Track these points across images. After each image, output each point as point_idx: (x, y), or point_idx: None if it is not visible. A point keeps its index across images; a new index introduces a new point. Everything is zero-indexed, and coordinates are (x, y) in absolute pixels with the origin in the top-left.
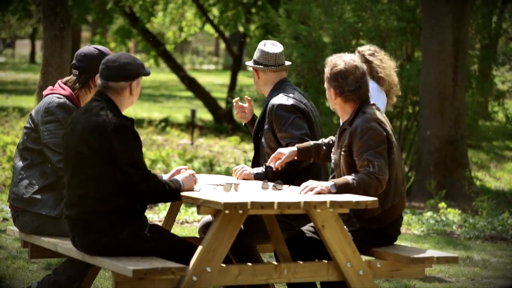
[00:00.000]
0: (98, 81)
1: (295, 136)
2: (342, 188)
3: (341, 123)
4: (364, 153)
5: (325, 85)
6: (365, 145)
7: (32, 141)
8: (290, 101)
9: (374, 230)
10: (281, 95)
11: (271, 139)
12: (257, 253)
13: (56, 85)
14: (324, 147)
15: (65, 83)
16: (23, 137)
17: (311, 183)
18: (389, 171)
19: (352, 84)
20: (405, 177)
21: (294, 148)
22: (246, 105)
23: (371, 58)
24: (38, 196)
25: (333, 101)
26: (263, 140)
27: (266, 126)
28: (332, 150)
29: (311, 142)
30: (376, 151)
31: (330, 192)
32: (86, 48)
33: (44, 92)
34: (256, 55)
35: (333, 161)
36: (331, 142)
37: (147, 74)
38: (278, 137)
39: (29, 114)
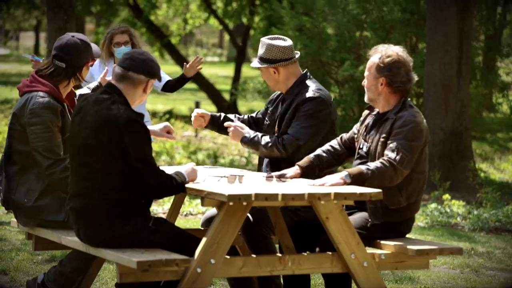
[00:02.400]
0: (116, 69)
1: (296, 137)
2: (356, 178)
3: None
4: (397, 140)
5: (370, 73)
6: (401, 133)
7: (21, 143)
8: (323, 105)
9: (390, 225)
10: (315, 89)
11: None
12: (273, 244)
13: (31, 78)
14: (325, 154)
15: (41, 76)
16: (9, 139)
17: (324, 178)
18: (422, 165)
19: (404, 76)
20: None
21: (297, 168)
22: (206, 113)
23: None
24: (41, 203)
25: (377, 91)
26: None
27: (290, 117)
28: (361, 139)
29: (311, 156)
30: (409, 143)
31: (345, 183)
32: (68, 38)
33: (21, 88)
34: (270, 53)
35: (364, 149)
36: (329, 147)
37: (160, 79)
38: (292, 122)
39: (11, 114)
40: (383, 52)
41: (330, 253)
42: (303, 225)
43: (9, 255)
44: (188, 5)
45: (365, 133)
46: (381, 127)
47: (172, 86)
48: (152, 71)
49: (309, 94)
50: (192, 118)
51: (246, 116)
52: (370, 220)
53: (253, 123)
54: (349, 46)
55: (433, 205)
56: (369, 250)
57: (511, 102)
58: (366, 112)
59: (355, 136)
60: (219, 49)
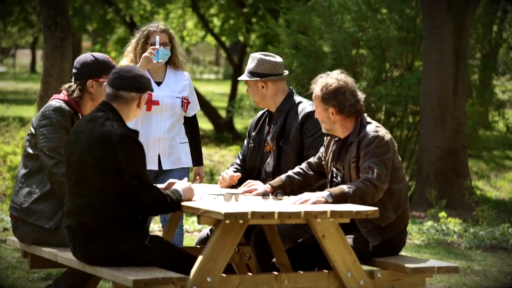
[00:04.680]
0: (107, 89)
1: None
2: (338, 197)
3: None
4: (367, 160)
5: (318, 106)
6: (370, 152)
7: (32, 147)
8: None
9: (385, 242)
10: (309, 103)
11: (298, 145)
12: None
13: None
14: (296, 176)
15: (65, 89)
16: (25, 144)
17: (305, 194)
18: (398, 174)
19: (351, 99)
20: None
21: (268, 186)
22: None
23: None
24: (36, 206)
25: (330, 121)
26: (288, 147)
27: (294, 134)
28: (333, 166)
29: (283, 176)
30: (380, 159)
31: (326, 202)
32: (83, 55)
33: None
34: (260, 67)
35: (338, 178)
36: (300, 170)
37: (153, 90)
38: (305, 142)
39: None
40: (323, 82)
41: (326, 271)
42: (299, 248)
43: (4, 273)
44: (184, 22)
45: (334, 162)
46: (347, 153)
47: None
48: (143, 87)
49: (308, 109)
50: (220, 178)
51: (238, 164)
52: (370, 243)
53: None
54: (345, 64)
55: (429, 223)
56: (366, 268)
57: (507, 120)
58: (327, 138)
59: (323, 161)
60: (216, 66)
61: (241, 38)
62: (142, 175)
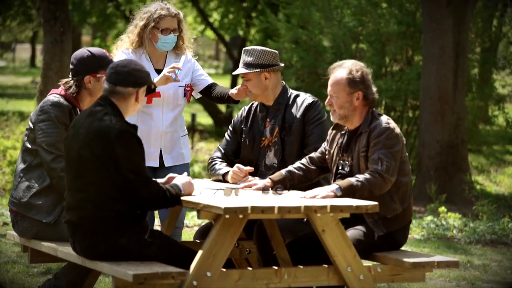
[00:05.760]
0: (105, 85)
1: (318, 147)
2: (346, 190)
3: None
4: (377, 151)
5: (342, 90)
6: (380, 143)
7: (31, 142)
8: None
9: (388, 235)
10: (308, 95)
11: (301, 134)
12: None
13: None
14: (297, 171)
15: (62, 84)
16: (23, 138)
17: (314, 190)
18: (405, 167)
19: (373, 87)
20: None
21: (268, 181)
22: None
23: None
24: (35, 201)
25: (352, 106)
26: (290, 138)
27: (297, 124)
28: (339, 158)
29: (283, 171)
30: (389, 151)
31: (336, 195)
32: (80, 50)
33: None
34: (263, 58)
35: (346, 169)
36: (301, 165)
37: (153, 84)
38: (307, 129)
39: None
40: (350, 66)
41: (326, 266)
42: (300, 243)
43: (4, 267)
44: (184, 17)
45: (341, 154)
46: (357, 143)
47: (214, 98)
48: (140, 81)
49: (310, 100)
50: (231, 173)
51: (219, 158)
52: (375, 233)
53: (231, 157)
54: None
55: (429, 218)
56: (366, 262)
57: (507, 115)
58: (332, 132)
59: (326, 156)
60: (215, 61)
61: (240, 32)
62: (141, 170)
